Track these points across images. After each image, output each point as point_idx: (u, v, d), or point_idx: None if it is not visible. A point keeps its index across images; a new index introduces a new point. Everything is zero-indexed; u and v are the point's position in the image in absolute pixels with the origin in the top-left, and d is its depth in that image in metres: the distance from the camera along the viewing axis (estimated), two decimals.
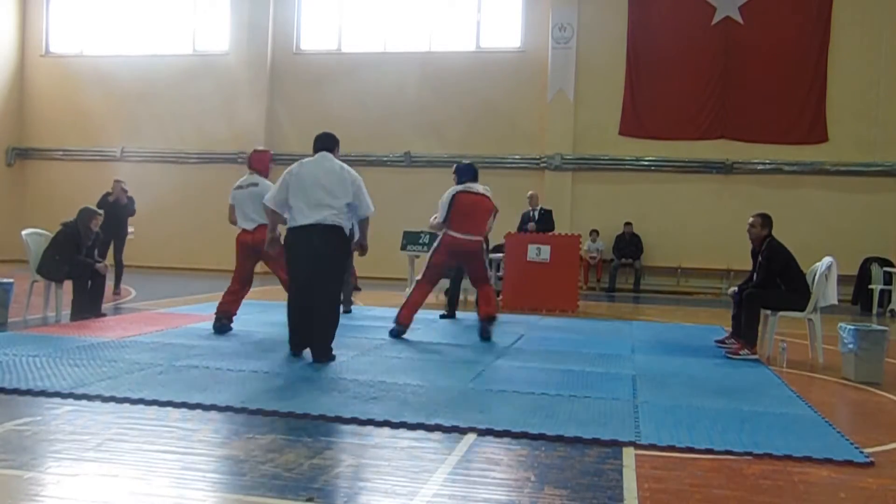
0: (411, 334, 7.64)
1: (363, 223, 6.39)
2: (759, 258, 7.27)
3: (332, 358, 6.06)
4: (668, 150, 15.16)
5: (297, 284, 6.14)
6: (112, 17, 17.83)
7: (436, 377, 5.55)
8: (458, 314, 9.39)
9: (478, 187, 7.74)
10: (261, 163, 7.73)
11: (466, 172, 7.82)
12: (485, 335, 7.52)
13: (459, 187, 7.65)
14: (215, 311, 7.56)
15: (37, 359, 5.73)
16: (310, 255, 5.95)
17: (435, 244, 7.67)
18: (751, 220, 7.40)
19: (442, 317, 9.28)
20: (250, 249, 7.42)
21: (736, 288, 7.62)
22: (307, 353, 6.18)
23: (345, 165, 6.22)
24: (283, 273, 7.00)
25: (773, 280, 7.14)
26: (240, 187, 7.54)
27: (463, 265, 7.95)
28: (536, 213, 12.13)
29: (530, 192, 12.53)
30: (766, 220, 7.32)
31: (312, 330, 6.11)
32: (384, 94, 16.21)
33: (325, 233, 5.96)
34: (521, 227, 11.99)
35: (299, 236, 6.01)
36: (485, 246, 8.11)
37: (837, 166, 14.52)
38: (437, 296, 12.27)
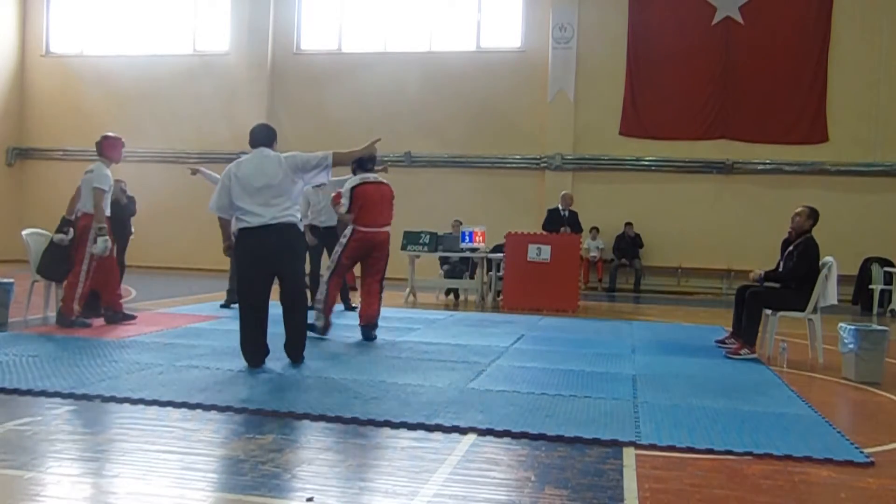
0: (411, 334, 7.66)
1: (341, 156, 5.98)
2: (791, 250, 7.12)
3: (303, 358, 5.93)
4: (669, 150, 15.15)
5: (252, 288, 5.78)
6: (112, 17, 17.83)
7: (436, 377, 5.54)
8: (458, 314, 9.35)
9: (373, 175, 7.45)
10: (114, 150, 7.44)
11: (367, 162, 7.36)
12: (372, 337, 7.26)
13: (357, 179, 7.30)
14: (106, 305, 7.55)
15: (37, 359, 5.73)
16: (268, 256, 5.71)
17: (343, 242, 7.25)
18: (799, 209, 7.22)
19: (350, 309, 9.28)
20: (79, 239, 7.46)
21: (762, 272, 7.29)
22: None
23: (281, 156, 5.88)
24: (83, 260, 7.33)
25: (799, 276, 7.00)
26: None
27: (366, 258, 7.38)
28: (567, 214, 12.07)
29: (564, 192, 12.51)
30: (812, 213, 7.15)
31: (266, 338, 5.80)
32: (384, 94, 16.21)
33: (283, 231, 5.72)
34: (550, 227, 11.67)
35: (254, 237, 5.71)
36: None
37: (837, 166, 14.51)
38: (437, 296, 12.31)
